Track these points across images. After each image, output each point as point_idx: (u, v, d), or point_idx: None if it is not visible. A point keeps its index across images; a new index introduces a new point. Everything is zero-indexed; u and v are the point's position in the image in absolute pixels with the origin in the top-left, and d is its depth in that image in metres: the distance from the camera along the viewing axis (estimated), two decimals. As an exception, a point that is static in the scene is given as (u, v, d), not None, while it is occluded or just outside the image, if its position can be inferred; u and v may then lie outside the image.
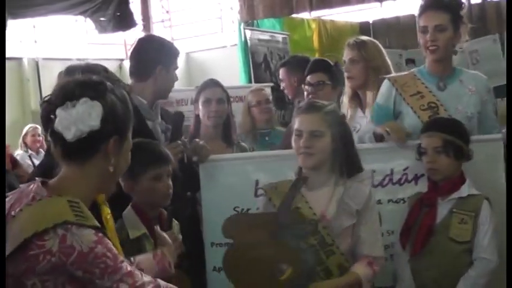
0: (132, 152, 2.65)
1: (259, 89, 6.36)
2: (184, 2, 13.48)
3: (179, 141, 3.89)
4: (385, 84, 4.16)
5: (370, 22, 11.88)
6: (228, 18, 12.98)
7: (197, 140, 4.16)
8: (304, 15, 11.52)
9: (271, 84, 8.28)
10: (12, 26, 11.18)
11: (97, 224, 2.33)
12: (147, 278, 2.38)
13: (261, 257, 2.90)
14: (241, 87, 7.64)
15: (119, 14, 12.32)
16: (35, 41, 11.60)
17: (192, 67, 13.04)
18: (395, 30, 11.43)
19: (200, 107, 4.76)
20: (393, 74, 4.33)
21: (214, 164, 4.00)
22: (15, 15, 10.96)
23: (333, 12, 12.08)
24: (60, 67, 4.53)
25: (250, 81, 8.85)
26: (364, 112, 4.53)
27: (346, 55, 4.63)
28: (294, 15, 11.09)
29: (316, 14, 11.74)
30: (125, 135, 2.50)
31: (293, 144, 3.47)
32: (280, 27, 10.60)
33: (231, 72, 9.76)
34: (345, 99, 4.68)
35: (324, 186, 3.42)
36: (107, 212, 2.84)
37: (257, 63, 9.39)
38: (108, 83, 2.49)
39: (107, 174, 2.46)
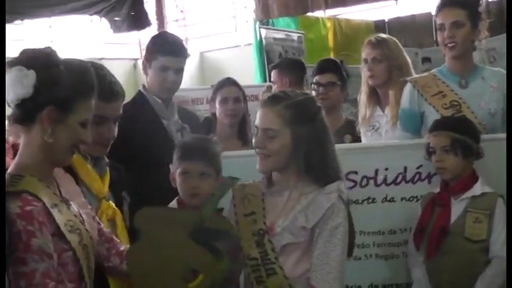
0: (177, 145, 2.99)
1: (271, 86, 6.43)
2: (199, 1, 13.54)
3: None
4: (407, 88, 4.17)
5: (386, 20, 11.89)
6: (242, 18, 13.02)
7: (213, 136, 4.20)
8: (319, 13, 11.54)
9: (287, 82, 8.36)
10: (29, 26, 11.29)
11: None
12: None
13: (172, 257, 2.59)
14: (256, 86, 7.71)
15: (133, 13, 12.38)
16: (51, 41, 11.68)
17: (206, 66, 13.07)
18: (411, 29, 11.43)
19: (217, 105, 4.82)
20: (414, 76, 4.36)
21: (229, 161, 4.05)
22: (31, 15, 11.07)
23: (347, 10, 12.09)
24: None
25: (265, 80, 8.88)
26: (383, 111, 4.55)
27: (368, 54, 4.62)
28: (309, 14, 11.10)
29: (331, 12, 11.75)
30: (68, 107, 2.54)
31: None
32: (295, 26, 10.63)
33: (245, 71, 9.78)
34: (363, 97, 4.68)
35: (285, 193, 2.98)
36: (106, 206, 2.97)
37: (272, 62, 9.44)
38: (60, 58, 2.58)
39: (46, 145, 2.52)
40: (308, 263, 2.88)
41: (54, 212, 2.50)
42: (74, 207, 2.66)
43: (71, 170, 2.89)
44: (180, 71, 4.21)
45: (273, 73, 6.03)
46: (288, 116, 2.93)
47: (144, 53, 4.40)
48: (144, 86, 4.24)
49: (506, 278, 3.09)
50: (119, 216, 2.98)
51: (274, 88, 5.83)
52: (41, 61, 2.52)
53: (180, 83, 4.30)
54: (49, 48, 2.63)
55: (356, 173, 3.87)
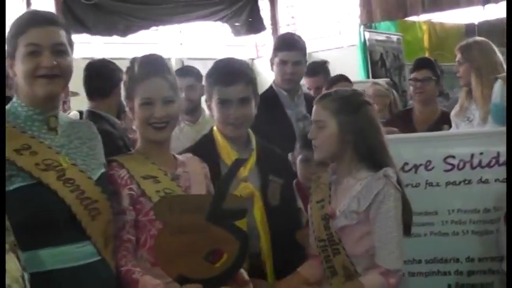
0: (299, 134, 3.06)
1: (377, 83, 6.46)
2: (308, 8, 13.55)
3: None
4: (497, 84, 4.07)
5: (476, 23, 11.59)
6: (345, 22, 12.95)
7: None
8: (415, 18, 11.41)
9: (387, 79, 8.33)
10: (161, 30, 11.57)
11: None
12: None
13: (195, 241, 2.47)
14: (361, 82, 7.72)
15: (251, 19, 12.53)
16: (181, 44, 11.92)
17: (313, 65, 13.05)
18: (500, 31, 11.12)
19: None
20: (503, 74, 4.29)
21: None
22: (164, 22, 11.34)
23: (441, 14, 11.86)
24: (202, 66, 4.74)
25: (368, 77, 8.87)
26: (477, 105, 4.51)
27: (456, 57, 4.64)
28: (407, 18, 10.98)
29: (426, 16, 11.57)
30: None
31: None
32: (394, 29, 10.52)
33: (348, 69, 9.72)
34: (462, 93, 4.66)
35: (343, 181, 2.93)
36: (242, 187, 2.97)
37: (374, 61, 9.41)
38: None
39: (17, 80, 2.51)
40: (366, 243, 2.83)
41: (142, 180, 2.63)
42: (183, 176, 2.75)
43: (216, 153, 2.99)
44: (297, 63, 4.23)
45: (306, 81, 5.57)
46: (334, 108, 2.88)
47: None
48: (274, 81, 4.31)
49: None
50: (256, 197, 2.96)
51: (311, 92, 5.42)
52: None
53: (300, 75, 4.33)
54: None
55: (453, 157, 3.81)
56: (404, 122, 4.85)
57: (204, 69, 4.80)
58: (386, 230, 2.79)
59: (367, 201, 2.80)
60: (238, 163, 2.64)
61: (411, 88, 5.17)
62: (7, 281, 1.94)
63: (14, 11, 9.87)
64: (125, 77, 2.79)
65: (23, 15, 2.57)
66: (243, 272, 2.59)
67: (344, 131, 2.84)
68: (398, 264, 2.81)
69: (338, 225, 2.85)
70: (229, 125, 3.04)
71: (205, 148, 3.03)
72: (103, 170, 2.60)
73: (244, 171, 2.97)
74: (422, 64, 5.22)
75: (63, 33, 2.50)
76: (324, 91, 4.97)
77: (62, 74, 2.47)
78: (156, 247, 2.47)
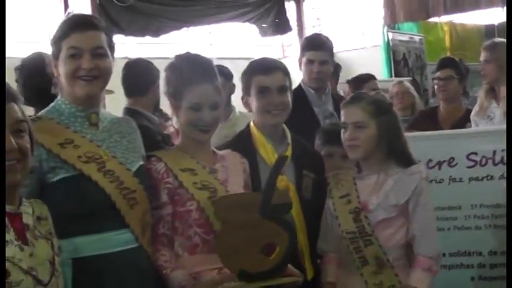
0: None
1: (400, 82, 6.43)
2: (333, 10, 13.52)
3: None
4: None
5: (496, 24, 11.48)
6: (368, 23, 12.89)
7: None
8: (436, 19, 11.33)
9: (410, 78, 8.29)
10: (192, 31, 11.61)
11: None
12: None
13: (251, 236, 2.51)
14: (384, 81, 7.69)
15: (277, 20, 12.54)
16: (211, 44, 11.95)
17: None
18: (519, 32, 11.02)
19: None
20: None
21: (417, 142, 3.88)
22: (195, 23, 11.38)
23: (462, 16, 11.76)
24: (231, 65, 4.75)
25: (391, 76, 8.84)
26: (498, 104, 4.45)
27: (482, 56, 4.58)
28: (429, 20, 10.91)
29: (448, 17, 11.48)
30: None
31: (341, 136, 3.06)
32: (417, 30, 10.48)
33: (371, 68, 9.70)
34: (481, 92, 4.61)
35: (373, 176, 2.99)
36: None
37: (397, 60, 9.38)
38: None
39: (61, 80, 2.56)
40: (400, 236, 2.92)
41: (180, 172, 2.64)
42: (221, 170, 2.76)
43: (253, 148, 3.00)
44: (324, 63, 4.21)
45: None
46: (371, 110, 2.96)
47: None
48: (302, 80, 4.31)
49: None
50: (292, 191, 2.94)
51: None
52: None
53: (327, 74, 4.30)
54: None
55: (476, 153, 3.79)
56: (430, 119, 4.81)
57: (233, 68, 4.84)
58: (426, 220, 2.91)
59: (406, 195, 2.89)
60: (283, 160, 2.68)
61: (435, 86, 5.14)
62: (32, 264, 2.00)
63: (53, 13, 9.99)
64: (169, 73, 2.79)
65: (67, 19, 2.62)
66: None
67: (382, 131, 2.94)
68: (437, 251, 2.93)
69: (377, 218, 2.90)
70: (269, 113, 3.02)
71: (242, 143, 3.02)
72: (141, 162, 2.64)
73: None
74: (445, 63, 5.17)
75: (103, 36, 2.54)
76: (349, 89, 4.99)
77: (101, 75, 2.51)
78: (217, 245, 2.53)
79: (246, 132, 3.14)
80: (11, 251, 1.98)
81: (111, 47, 2.58)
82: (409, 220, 2.91)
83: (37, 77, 3.19)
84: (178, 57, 2.81)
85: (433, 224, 2.98)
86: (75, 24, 2.51)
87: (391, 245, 2.91)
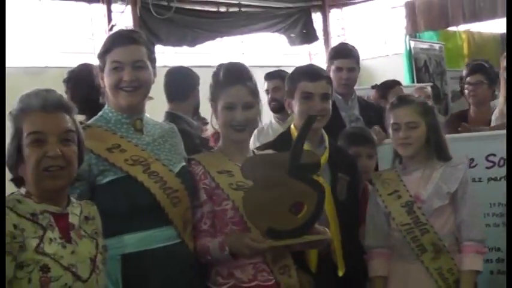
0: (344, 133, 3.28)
1: (422, 87, 6.39)
2: (356, 20, 13.47)
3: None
4: None
5: None
6: (390, 33, 12.81)
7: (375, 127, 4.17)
8: (455, 28, 11.23)
9: (431, 83, 8.22)
10: (225, 41, 11.63)
11: None
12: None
13: (280, 195, 2.47)
14: (407, 86, 7.63)
15: (305, 31, 12.53)
16: (243, 53, 11.95)
17: (361, 72, 12.91)
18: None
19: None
20: None
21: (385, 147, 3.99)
22: (228, 34, 11.40)
23: (480, 24, 11.61)
24: (261, 72, 4.74)
25: (413, 82, 8.77)
26: None
27: (502, 64, 4.50)
28: (448, 29, 10.81)
29: (465, 26, 11.35)
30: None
31: (391, 136, 3.14)
32: (437, 38, 10.38)
33: (393, 75, 9.62)
34: (501, 98, 4.52)
35: (419, 171, 3.07)
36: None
37: (419, 67, 9.29)
38: None
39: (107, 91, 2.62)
40: (451, 223, 3.01)
41: (217, 174, 2.65)
42: None
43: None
44: (351, 70, 4.21)
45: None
46: (421, 111, 3.06)
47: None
48: None
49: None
50: (327, 191, 2.91)
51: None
52: None
53: (354, 80, 4.29)
54: None
55: (494, 155, 3.76)
56: (460, 121, 4.72)
57: (263, 75, 4.84)
58: (473, 206, 3.04)
59: (456, 184, 3.01)
60: (311, 119, 2.62)
61: (466, 91, 5.03)
62: (72, 261, 2.04)
63: (97, 25, 10.09)
64: (211, 80, 2.82)
65: (111, 35, 2.69)
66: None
67: (430, 130, 3.05)
68: (483, 234, 3.07)
69: (432, 207, 2.99)
70: None
71: (283, 144, 3.00)
72: (183, 163, 2.66)
73: None
74: (475, 69, 5.06)
75: (143, 50, 2.58)
76: (376, 94, 4.94)
77: (141, 85, 2.55)
78: (244, 203, 2.51)
79: (287, 133, 3.14)
80: (53, 248, 2.02)
81: (152, 59, 2.62)
82: (456, 208, 3.01)
83: (84, 87, 3.23)
84: (218, 65, 2.83)
85: (478, 211, 3.11)
86: (117, 40, 2.57)
87: (445, 231, 2.99)
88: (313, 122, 2.65)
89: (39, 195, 2.08)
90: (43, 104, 2.08)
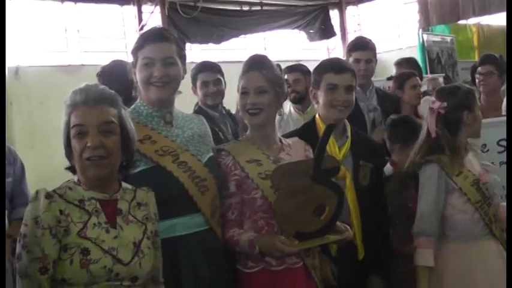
0: None
1: (435, 78, 6.32)
2: (371, 16, 13.36)
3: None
4: None
5: (520, 25, 11.11)
6: (403, 27, 12.69)
7: (380, 126, 4.07)
8: (465, 21, 11.08)
9: (443, 74, 8.13)
10: (249, 38, 11.62)
11: None
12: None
13: (305, 200, 2.48)
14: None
15: (323, 27, 12.48)
16: (265, 48, 11.94)
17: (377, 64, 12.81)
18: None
19: (406, 91, 4.75)
20: None
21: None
22: (251, 31, 11.40)
23: (489, 17, 11.43)
24: (282, 67, 4.71)
25: (426, 73, 8.66)
26: None
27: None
28: (458, 22, 10.68)
29: (475, 20, 11.19)
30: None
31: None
32: (448, 31, 10.28)
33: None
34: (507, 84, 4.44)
35: (468, 156, 3.05)
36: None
37: (431, 59, 9.20)
38: None
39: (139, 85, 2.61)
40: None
41: (246, 164, 2.61)
42: (285, 159, 2.68)
43: (316, 138, 2.85)
44: (369, 61, 4.15)
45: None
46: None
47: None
48: None
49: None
50: (348, 178, 2.90)
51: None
52: None
53: (371, 71, 4.23)
54: None
55: (505, 140, 3.71)
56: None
57: (285, 70, 4.79)
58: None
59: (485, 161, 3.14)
60: (331, 127, 2.60)
61: (476, 80, 4.99)
62: (114, 245, 2.06)
63: (129, 25, 10.12)
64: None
65: (143, 33, 2.67)
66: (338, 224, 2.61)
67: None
68: None
69: (492, 182, 3.05)
70: (334, 108, 2.95)
71: (307, 133, 2.95)
72: (211, 154, 2.63)
73: (339, 155, 2.89)
74: (486, 60, 5.05)
75: (173, 47, 2.55)
76: (393, 85, 4.87)
77: (171, 81, 2.52)
78: (275, 211, 2.50)
79: (312, 123, 3.07)
80: (95, 232, 2.04)
81: (181, 55, 2.59)
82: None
83: (116, 81, 3.22)
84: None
85: None
86: (149, 37, 2.54)
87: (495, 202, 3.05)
88: (332, 131, 2.61)
89: (86, 183, 2.11)
90: (85, 98, 2.09)
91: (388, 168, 3.45)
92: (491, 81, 4.84)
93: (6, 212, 3.42)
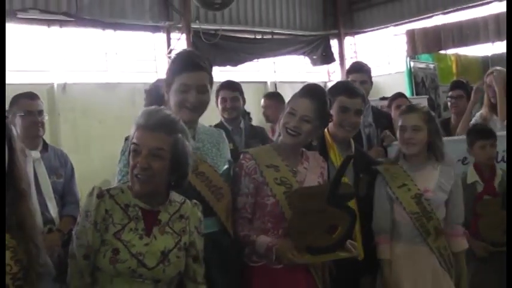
0: None
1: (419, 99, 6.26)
2: (366, 45, 13.32)
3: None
4: None
5: (489, 55, 10.99)
6: (392, 54, 12.64)
7: (386, 131, 4.01)
8: (444, 51, 11.04)
9: (427, 96, 8.11)
10: (261, 61, 11.60)
11: None
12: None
13: (318, 220, 2.43)
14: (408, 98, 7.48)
15: (324, 54, 12.47)
16: (274, 71, 11.92)
17: (369, 86, 12.79)
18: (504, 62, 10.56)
19: (393, 110, 4.67)
20: None
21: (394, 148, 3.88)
22: (263, 55, 11.39)
23: (466, 48, 11.31)
24: (290, 88, 4.67)
25: (413, 95, 8.63)
26: (498, 116, 4.25)
27: (487, 81, 4.37)
28: (440, 52, 10.66)
29: (454, 50, 11.11)
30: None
31: (398, 137, 3.01)
32: (431, 59, 10.24)
33: (395, 89, 9.36)
34: (485, 108, 4.39)
35: (424, 168, 2.94)
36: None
37: (417, 82, 9.16)
38: None
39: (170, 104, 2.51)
40: (444, 210, 2.93)
41: (265, 168, 2.51)
42: (302, 172, 2.60)
43: (325, 152, 2.84)
44: (364, 82, 4.03)
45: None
46: (425, 118, 2.93)
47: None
48: None
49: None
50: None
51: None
52: None
53: (366, 91, 4.10)
54: None
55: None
56: (443, 128, 4.63)
57: (291, 90, 4.73)
58: (460, 197, 2.99)
59: (452, 180, 2.95)
60: (349, 158, 2.56)
61: (448, 103, 4.98)
62: (142, 250, 2.02)
63: (159, 49, 10.13)
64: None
65: (182, 57, 2.53)
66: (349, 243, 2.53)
67: (431, 134, 2.94)
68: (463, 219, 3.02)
69: (440, 199, 2.91)
70: (343, 128, 2.90)
71: (319, 146, 2.86)
72: (227, 165, 2.56)
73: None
74: (456, 85, 5.15)
75: (206, 76, 2.47)
76: (386, 104, 4.82)
77: (201, 106, 2.47)
78: (289, 228, 2.45)
79: (322, 139, 2.97)
80: (129, 236, 2.01)
81: (211, 82, 2.52)
82: (451, 198, 2.96)
83: (153, 98, 3.18)
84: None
85: (462, 203, 3.02)
86: (187, 65, 2.44)
87: (442, 217, 2.92)
88: (350, 162, 2.55)
89: (134, 192, 2.08)
90: (146, 123, 2.06)
91: None
92: (461, 104, 4.84)
93: (57, 208, 3.39)
